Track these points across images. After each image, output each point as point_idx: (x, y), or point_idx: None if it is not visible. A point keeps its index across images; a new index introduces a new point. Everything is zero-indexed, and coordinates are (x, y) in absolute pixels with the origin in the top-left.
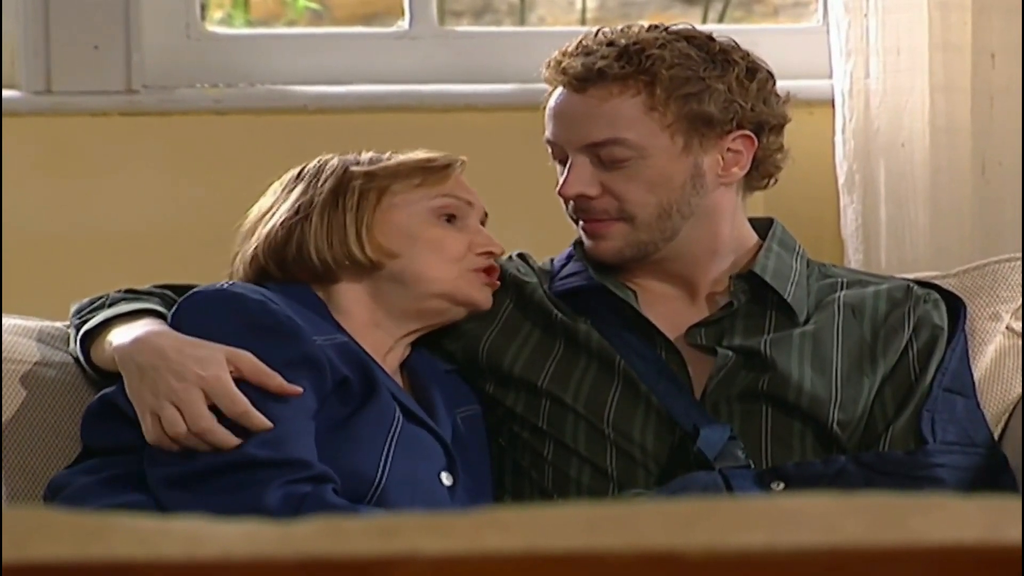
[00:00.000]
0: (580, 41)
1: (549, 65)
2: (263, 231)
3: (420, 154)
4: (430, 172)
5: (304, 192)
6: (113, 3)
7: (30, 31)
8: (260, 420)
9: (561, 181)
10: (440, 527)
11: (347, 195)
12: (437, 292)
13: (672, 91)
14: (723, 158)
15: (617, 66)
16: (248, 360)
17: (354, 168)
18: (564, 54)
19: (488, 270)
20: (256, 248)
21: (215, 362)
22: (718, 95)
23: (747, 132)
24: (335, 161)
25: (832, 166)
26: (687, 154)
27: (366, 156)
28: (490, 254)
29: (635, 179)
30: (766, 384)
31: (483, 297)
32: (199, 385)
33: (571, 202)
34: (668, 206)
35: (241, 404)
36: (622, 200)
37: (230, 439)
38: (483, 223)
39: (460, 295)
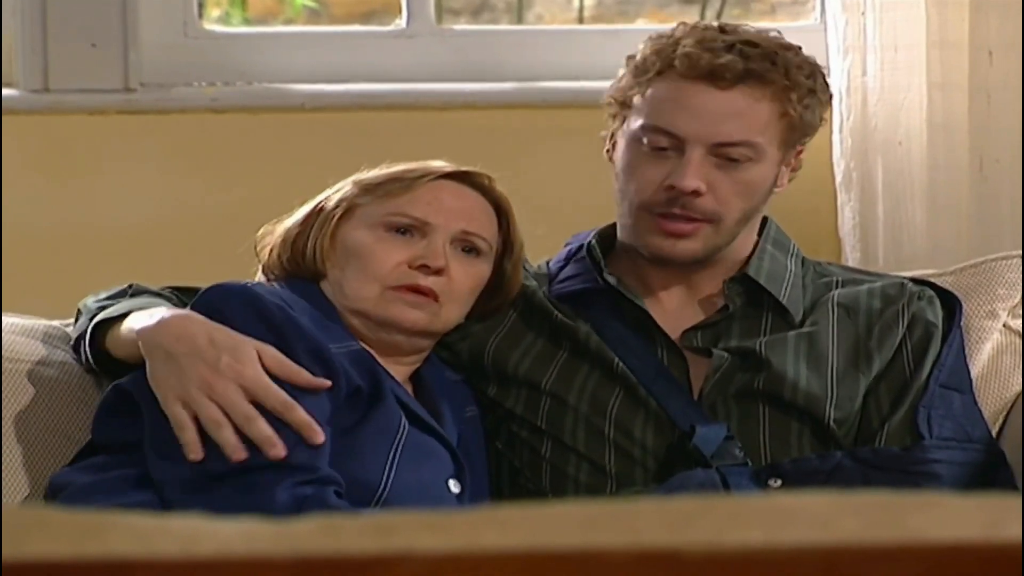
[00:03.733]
0: (702, 36)
1: (678, 52)
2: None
3: (406, 166)
4: (395, 183)
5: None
6: (111, 1)
7: (28, 29)
8: (301, 416)
9: (681, 172)
10: (438, 525)
11: (328, 202)
12: (356, 309)
13: (802, 98)
14: (788, 169)
15: (767, 68)
16: (275, 356)
17: (353, 179)
18: (701, 46)
19: (413, 287)
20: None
21: (248, 357)
22: (821, 109)
23: (804, 147)
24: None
25: (830, 164)
26: (778, 163)
27: (382, 166)
28: (425, 268)
29: (740, 182)
30: (762, 383)
31: (403, 315)
32: (237, 380)
33: (664, 195)
34: (749, 212)
35: (285, 399)
36: (722, 202)
37: (276, 441)
38: (470, 244)
39: (378, 314)
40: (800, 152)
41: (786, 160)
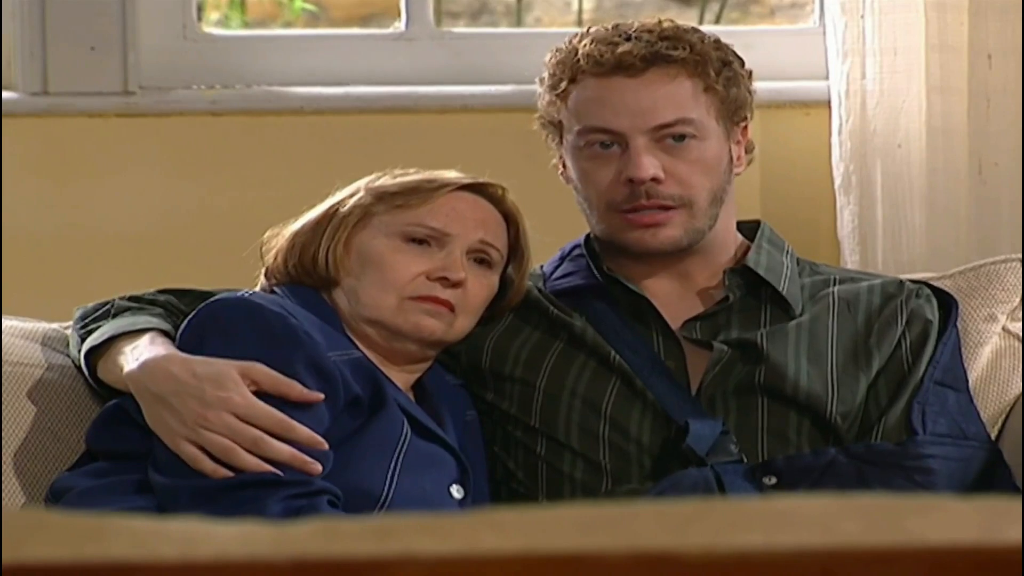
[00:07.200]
0: (598, 35)
1: (579, 56)
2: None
3: (422, 176)
4: (413, 194)
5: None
6: (110, 4)
7: (27, 32)
8: (304, 432)
9: (633, 164)
10: (436, 528)
11: (341, 208)
12: (372, 318)
13: (719, 73)
14: (738, 147)
15: (670, 47)
16: (263, 372)
17: (364, 185)
18: (599, 43)
19: (432, 298)
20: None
21: (231, 380)
22: (745, 82)
23: (747, 123)
24: (366, 179)
25: (829, 167)
26: (725, 139)
27: (394, 173)
28: (444, 280)
29: (695, 162)
30: (762, 377)
31: (421, 324)
32: (225, 408)
33: (625, 190)
34: (717, 191)
35: (280, 418)
36: (685, 184)
37: (297, 453)
38: (484, 254)
39: (396, 324)
40: (745, 129)
41: (733, 137)
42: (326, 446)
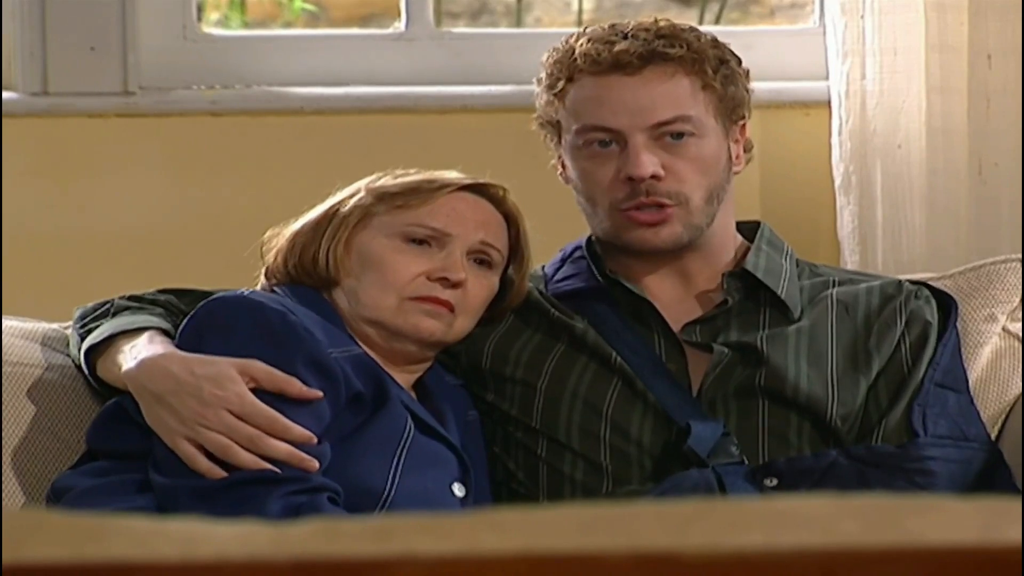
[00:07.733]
0: (594, 34)
1: (576, 55)
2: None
3: (422, 176)
4: (413, 195)
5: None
6: (109, 5)
7: (27, 33)
8: (298, 430)
9: (633, 162)
10: (436, 529)
11: (342, 208)
12: (371, 318)
13: (717, 71)
14: (736, 145)
15: (666, 45)
16: (262, 369)
17: (365, 185)
18: (596, 42)
19: (432, 299)
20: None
21: (229, 379)
22: (742, 80)
23: (745, 122)
24: (367, 179)
25: (829, 168)
26: (724, 137)
27: (394, 173)
28: (444, 280)
29: (693, 160)
30: (762, 380)
31: (420, 325)
32: (223, 406)
33: (625, 188)
34: (714, 189)
35: (275, 417)
36: (683, 181)
37: (294, 451)
38: (484, 255)
39: (395, 324)
40: (743, 127)
41: (731, 136)
42: (315, 441)
